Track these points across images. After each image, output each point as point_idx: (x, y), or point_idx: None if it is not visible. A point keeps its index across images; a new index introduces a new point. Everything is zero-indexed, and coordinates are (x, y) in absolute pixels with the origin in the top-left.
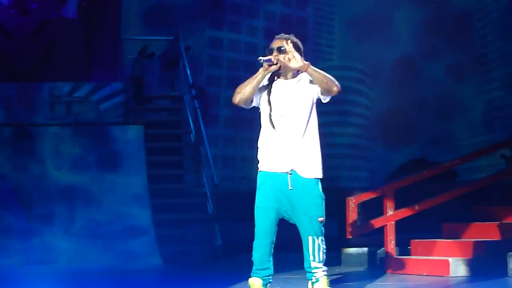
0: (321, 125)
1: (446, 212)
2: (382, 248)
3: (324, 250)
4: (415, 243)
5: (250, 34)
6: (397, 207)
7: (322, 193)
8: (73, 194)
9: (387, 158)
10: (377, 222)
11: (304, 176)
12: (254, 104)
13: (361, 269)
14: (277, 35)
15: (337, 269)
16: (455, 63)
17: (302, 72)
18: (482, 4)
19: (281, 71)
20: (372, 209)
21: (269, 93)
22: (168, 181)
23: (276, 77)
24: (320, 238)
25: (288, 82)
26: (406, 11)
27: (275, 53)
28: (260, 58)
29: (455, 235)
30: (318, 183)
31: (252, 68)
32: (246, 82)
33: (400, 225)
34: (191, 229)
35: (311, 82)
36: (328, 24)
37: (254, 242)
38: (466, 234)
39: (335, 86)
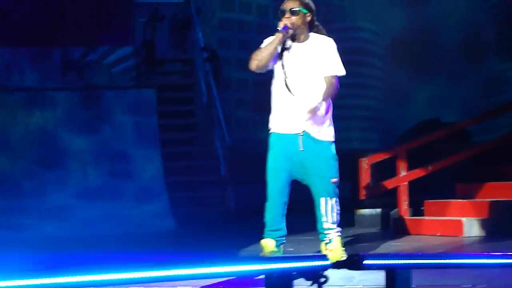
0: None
1: (459, 172)
2: (395, 209)
3: (338, 211)
4: (428, 203)
5: None
6: (410, 167)
7: (335, 154)
8: (86, 156)
9: (400, 119)
10: (390, 183)
11: (317, 138)
12: (269, 68)
13: (374, 230)
14: None
15: (350, 230)
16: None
17: (313, 33)
18: None
19: (294, 33)
20: (385, 170)
21: (281, 56)
22: (181, 143)
23: (288, 40)
24: (334, 199)
25: (301, 45)
26: None
27: (287, 14)
28: (278, 28)
29: (468, 195)
30: (330, 145)
31: (263, 30)
32: (263, 49)
33: (413, 186)
34: (204, 191)
35: (324, 48)
36: None
37: (266, 203)
38: (480, 194)
39: (334, 93)
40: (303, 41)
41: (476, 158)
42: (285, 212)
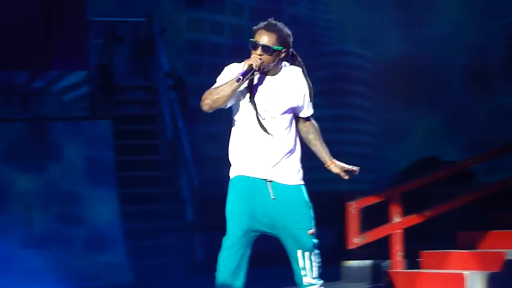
0: (316, 119)
1: (461, 219)
2: (388, 261)
3: (319, 264)
4: (425, 254)
5: (235, 14)
6: (405, 213)
7: (309, 201)
8: (31, 198)
9: (393, 157)
10: (382, 231)
11: (287, 183)
12: (229, 104)
13: (363, 285)
14: (261, 23)
15: (335, 286)
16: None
17: (285, 65)
18: None
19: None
20: (376, 215)
21: (251, 90)
22: (141, 183)
23: (257, 73)
24: (313, 252)
25: (273, 79)
26: None
27: (259, 51)
28: (240, 77)
29: (471, 245)
30: (302, 190)
31: (238, 54)
32: (219, 90)
33: (408, 234)
34: (168, 239)
35: (296, 83)
36: (325, 3)
37: (221, 254)
38: (485, 244)
39: None
40: (274, 75)
41: (480, 202)
42: (244, 267)
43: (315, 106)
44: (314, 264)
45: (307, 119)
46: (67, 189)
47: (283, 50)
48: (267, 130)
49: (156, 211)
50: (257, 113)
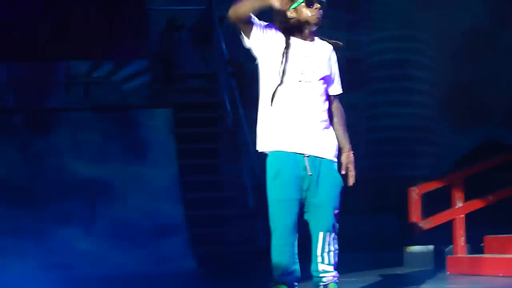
0: (377, 105)
1: None
2: (451, 246)
3: (336, 251)
4: (489, 239)
5: None
6: (467, 198)
7: (341, 180)
8: (94, 189)
9: (455, 142)
10: (444, 216)
11: (322, 157)
12: (260, 44)
13: (426, 269)
14: None
15: (398, 271)
16: None
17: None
18: None
19: (299, 27)
20: (438, 200)
21: (287, 54)
22: (203, 172)
23: (290, 35)
24: (332, 235)
25: (308, 43)
26: None
27: (317, 5)
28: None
29: None
30: (335, 167)
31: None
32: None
33: (471, 219)
34: (230, 226)
35: (330, 54)
36: None
37: (275, 243)
38: None
39: None
40: (310, 40)
41: None
42: (297, 250)
43: (378, 92)
44: (332, 249)
45: (334, 98)
46: (129, 178)
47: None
48: (297, 97)
49: (217, 199)
50: (285, 75)
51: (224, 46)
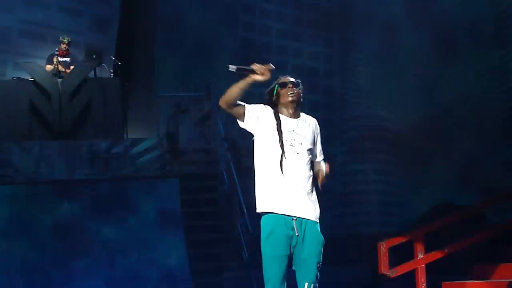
0: (349, 173)
1: (477, 253)
2: None
3: None
4: (446, 285)
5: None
6: (427, 250)
7: (323, 238)
8: (114, 246)
9: (416, 203)
10: (408, 266)
11: (309, 219)
12: (253, 125)
13: None
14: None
15: None
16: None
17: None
18: None
19: (284, 108)
20: (402, 253)
21: (280, 131)
22: (204, 231)
23: (280, 113)
24: (315, 285)
25: (295, 120)
26: (435, 62)
27: (290, 85)
28: (235, 66)
29: (486, 276)
30: (318, 227)
31: None
32: (231, 86)
33: (431, 268)
34: (228, 277)
35: (313, 127)
36: (354, 76)
37: None
38: (497, 274)
39: None
40: (296, 117)
41: (492, 239)
42: None
43: (348, 162)
44: None
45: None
46: (143, 237)
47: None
48: (289, 167)
49: (217, 254)
50: (283, 151)
51: (221, 125)
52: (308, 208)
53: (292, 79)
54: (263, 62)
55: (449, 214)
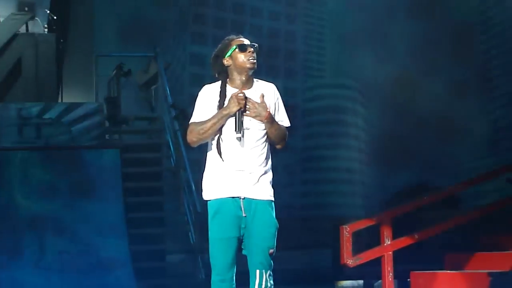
0: (313, 148)
1: (448, 241)
2: (379, 281)
3: (272, 286)
4: (415, 275)
5: None
6: (395, 236)
7: (276, 221)
8: (43, 224)
9: (384, 184)
10: (373, 253)
11: (257, 198)
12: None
13: None
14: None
15: None
16: (456, 80)
17: (255, 80)
18: (485, 16)
19: (237, 74)
20: (368, 238)
21: (221, 106)
22: (147, 209)
23: (228, 85)
24: (268, 272)
25: (245, 91)
26: (403, 24)
27: (250, 49)
28: (239, 136)
29: (458, 266)
30: (271, 208)
31: None
32: (205, 127)
33: (398, 255)
34: (172, 260)
35: (271, 95)
36: (319, 39)
37: (215, 278)
38: (471, 265)
39: (281, 144)
40: (248, 88)
41: (466, 226)
42: (235, 285)
43: (312, 136)
44: (268, 285)
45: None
46: (77, 214)
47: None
48: (234, 146)
49: (161, 234)
50: (238, 124)
51: (168, 91)
52: (258, 187)
53: (243, 40)
54: (216, 20)
55: (421, 196)
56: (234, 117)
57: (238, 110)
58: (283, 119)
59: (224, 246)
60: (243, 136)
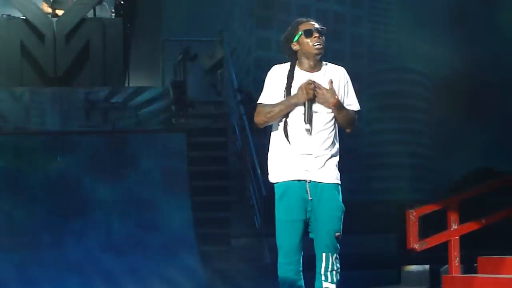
0: (377, 133)
1: None
2: (446, 266)
3: (338, 270)
4: (482, 260)
5: None
6: (462, 221)
7: (342, 204)
8: (110, 207)
9: (449, 169)
10: (440, 237)
11: (323, 181)
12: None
13: None
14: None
15: None
16: None
17: (323, 63)
18: None
19: (305, 59)
20: (434, 223)
21: (289, 89)
22: (213, 192)
23: (297, 68)
24: (334, 255)
25: (314, 75)
26: (476, 10)
27: (316, 34)
28: (308, 127)
29: None
30: (337, 191)
31: None
32: (274, 110)
33: (465, 240)
34: (237, 244)
35: (340, 78)
36: (385, 23)
37: (282, 261)
38: None
39: (350, 128)
40: (316, 71)
41: None
42: (301, 269)
43: (376, 120)
44: (334, 269)
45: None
46: (144, 197)
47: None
48: (301, 129)
49: (226, 218)
50: (306, 109)
51: (234, 75)
52: (324, 170)
53: (317, 26)
54: (282, 4)
55: (488, 181)
56: (303, 106)
57: (307, 101)
58: (352, 103)
59: (291, 228)
60: (311, 126)
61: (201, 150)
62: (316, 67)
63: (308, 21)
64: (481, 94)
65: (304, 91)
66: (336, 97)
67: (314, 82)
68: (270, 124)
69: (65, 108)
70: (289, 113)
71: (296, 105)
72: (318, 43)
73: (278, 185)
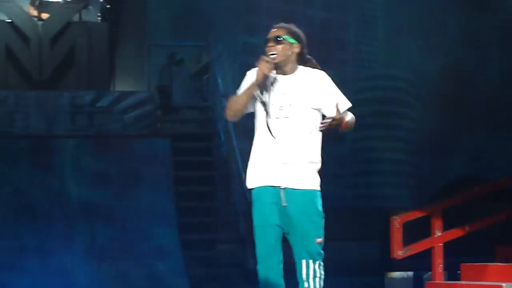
0: (363, 139)
1: (499, 233)
2: (429, 272)
3: (322, 277)
4: (465, 267)
5: None
6: (445, 228)
7: (321, 210)
8: (94, 211)
9: (434, 176)
10: (424, 244)
11: (300, 188)
12: (251, 110)
13: None
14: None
15: None
16: (508, 71)
17: (303, 66)
18: None
19: (278, 65)
20: (418, 230)
21: (263, 91)
22: (197, 198)
23: (271, 73)
24: (317, 262)
25: (288, 78)
26: (457, 15)
27: (271, 43)
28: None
29: (509, 259)
30: (316, 197)
31: None
32: (236, 99)
33: (449, 247)
34: (222, 250)
35: (316, 81)
36: (371, 29)
37: (260, 266)
38: None
39: (351, 129)
40: (289, 73)
41: None
42: (282, 273)
43: (361, 127)
44: (317, 275)
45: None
46: (128, 202)
47: (295, 44)
48: (275, 134)
49: (211, 224)
50: (267, 115)
51: (220, 80)
52: (301, 176)
53: (273, 34)
54: (269, 10)
55: (472, 188)
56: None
57: (266, 94)
58: (342, 101)
59: (264, 233)
60: (278, 134)
61: (186, 155)
62: (290, 71)
63: (272, 28)
64: (468, 101)
65: (260, 67)
66: (343, 119)
67: (268, 59)
68: (240, 114)
69: (50, 112)
70: (267, 121)
71: (258, 83)
72: (270, 52)
73: (253, 191)
